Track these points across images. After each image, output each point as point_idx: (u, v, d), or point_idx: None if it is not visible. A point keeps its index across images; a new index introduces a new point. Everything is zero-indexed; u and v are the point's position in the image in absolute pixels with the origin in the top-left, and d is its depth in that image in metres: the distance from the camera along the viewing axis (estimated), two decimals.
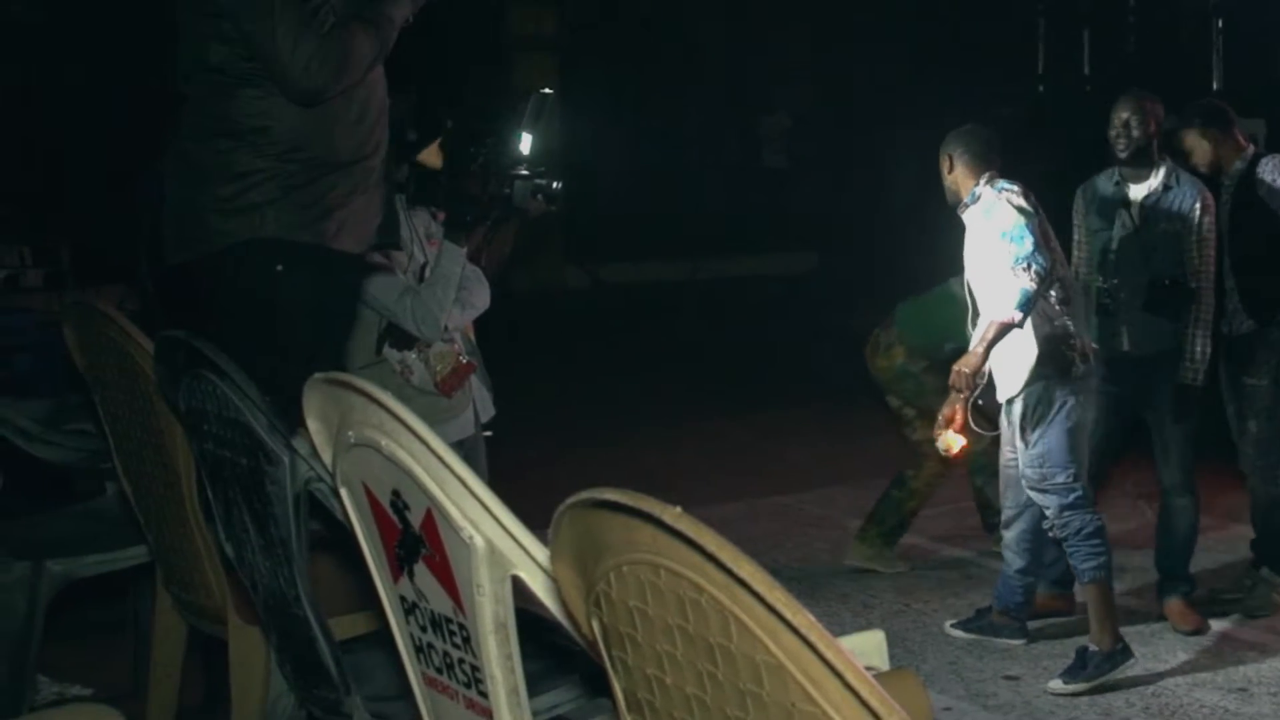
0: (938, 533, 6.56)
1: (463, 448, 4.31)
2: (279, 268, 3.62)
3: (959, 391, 4.92)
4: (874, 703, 1.45)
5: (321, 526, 2.85)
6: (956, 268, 5.30)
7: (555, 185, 4.32)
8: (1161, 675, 5.01)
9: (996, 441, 5.66)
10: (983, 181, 4.99)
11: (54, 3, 11.66)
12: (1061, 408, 4.92)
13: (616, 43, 16.90)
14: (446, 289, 4.27)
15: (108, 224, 8.33)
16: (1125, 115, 5.27)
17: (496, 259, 4.62)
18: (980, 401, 5.04)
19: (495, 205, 4.33)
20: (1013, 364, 4.95)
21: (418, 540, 2.30)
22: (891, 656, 2.76)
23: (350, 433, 2.38)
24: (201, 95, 3.67)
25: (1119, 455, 5.55)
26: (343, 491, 2.48)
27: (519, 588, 2.17)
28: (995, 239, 4.85)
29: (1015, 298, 4.73)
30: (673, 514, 1.57)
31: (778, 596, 1.48)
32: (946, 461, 5.65)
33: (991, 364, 4.96)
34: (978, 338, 4.89)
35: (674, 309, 14.33)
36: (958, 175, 5.05)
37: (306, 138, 3.60)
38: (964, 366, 4.87)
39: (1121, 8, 11.59)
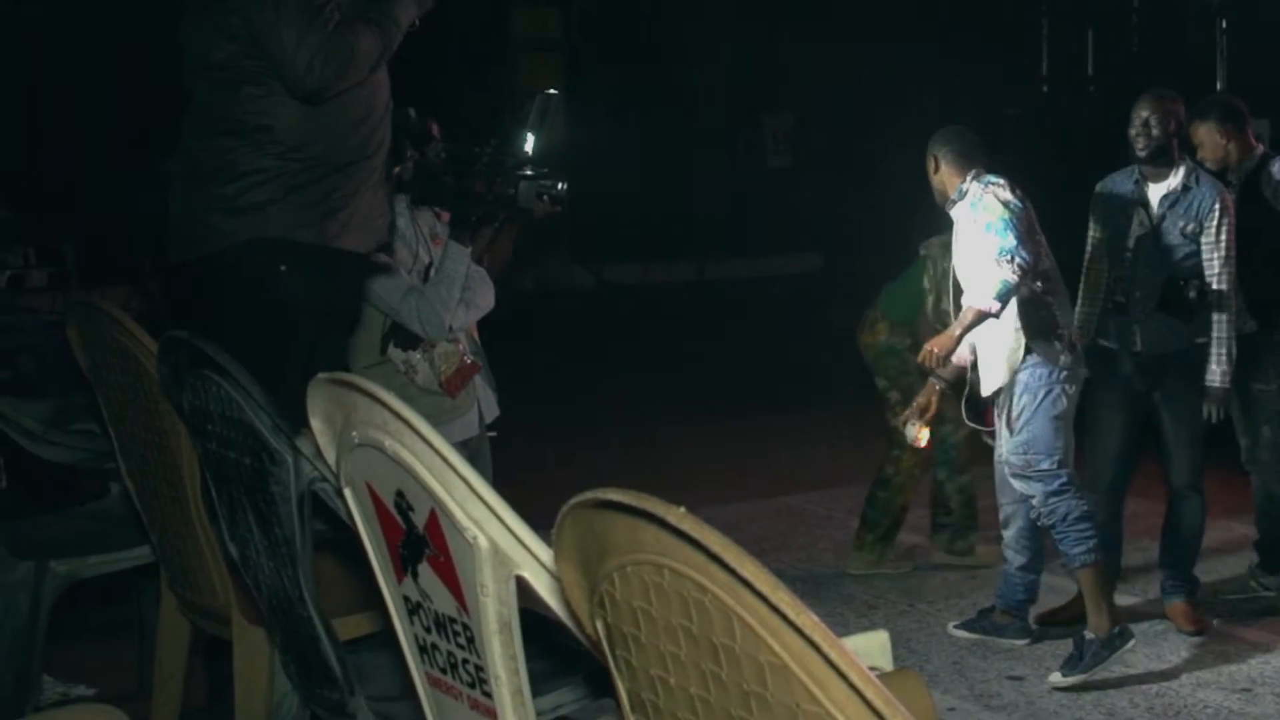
0: None
1: (467, 448, 4.31)
2: (283, 267, 3.62)
3: (930, 369, 5.05)
4: (878, 703, 1.45)
5: (325, 527, 2.85)
6: (929, 231, 5.50)
7: (560, 186, 4.33)
8: (1165, 676, 5.00)
9: (968, 438, 5.73)
10: (969, 178, 5.04)
11: (62, 4, 11.68)
12: (1047, 395, 4.96)
13: (621, 43, 16.91)
14: (451, 289, 4.27)
15: (112, 225, 8.36)
16: (1145, 114, 5.24)
17: (498, 260, 4.62)
18: (967, 395, 5.13)
19: (501, 206, 4.34)
20: (999, 355, 5.02)
21: (422, 540, 2.30)
22: (895, 657, 2.76)
23: (354, 433, 2.38)
24: (205, 94, 3.67)
25: (1136, 461, 5.54)
26: (346, 492, 2.48)
27: (523, 588, 2.17)
28: (980, 231, 4.91)
29: (995, 288, 4.80)
30: (677, 514, 1.57)
31: (782, 597, 1.48)
32: (918, 451, 5.70)
33: (978, 357, 5.07)
34: (955, 322, 4.98)
35: (679, 310, 14.35)
36: (944, 174, 5.10)
37: (309, 137, 3.60)
38: (935, 346, 4.96)
39: (1125, 8, 11.58)
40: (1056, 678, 4.91)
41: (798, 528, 6.94)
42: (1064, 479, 4.97)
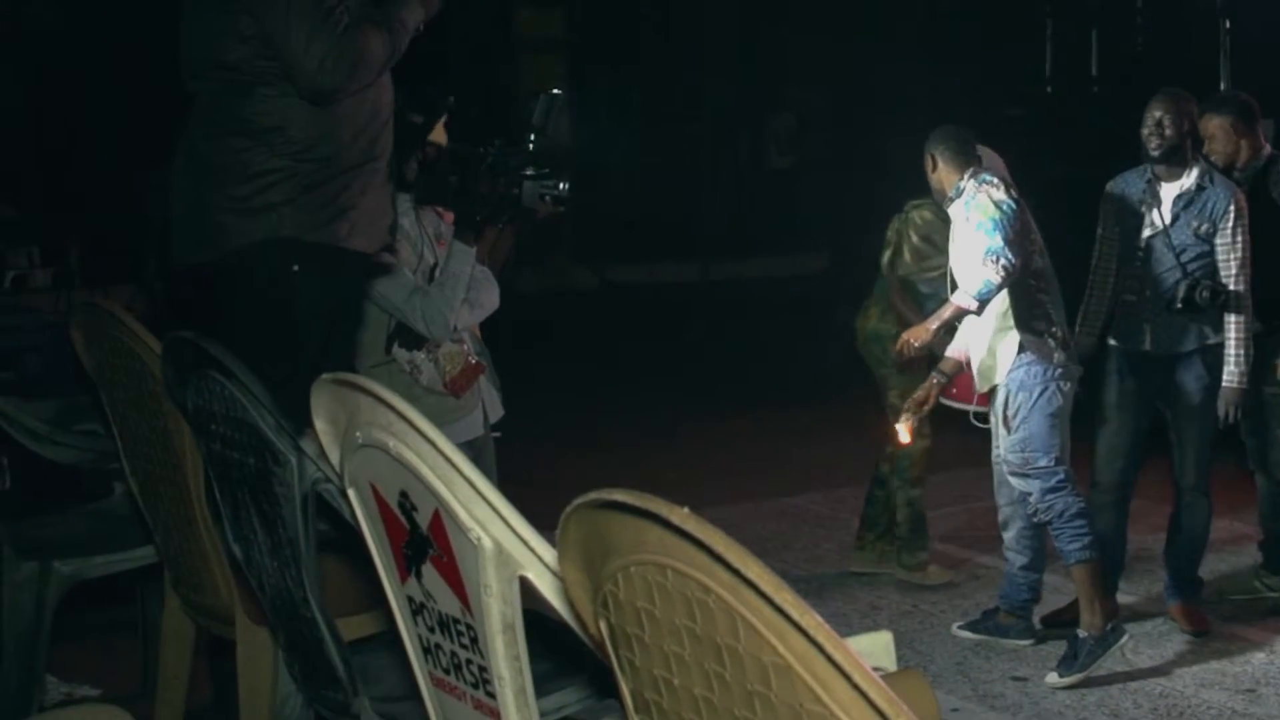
0: (945, 532, 6.54)
1: (471, 448, 4.31)
2: (295, 268, 3.63)
3: (901, 363, 5.26)
4: (882, 703, 1.45)
5: (329, 527, 2.85)
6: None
7: (563, 186, 4.32)
8: (1169, 676, 5.00)
9: (925, 451, 5.76)
10: (966, 176, 5.06)
11: (66, 7, 11.69)
12: (1043, 393, 4.98)
13: (624, 44, 16.91)
14: (455, 289, 4.27)
15: (116, 225, 8.36)
16: (1159, 114, 5.22)
17: (499, 261, 4.62)
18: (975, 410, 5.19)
19: (504, 206, 4.34)
20: (994, 354, 5.05)
21: (425, 541, 2.30)
22: (899, 657, 2.76)
23: (358, 433, 2.38)
24: (215, 94, 3.67)
25: (1142, 460, 5.53)
26: (350, 492, 2.48)
27: (527, 588, 2.17)
28: (972, 230, 4.94)
29: (978, 286, 4.85)
30: (680, 514, 1.57)
31: (785, 597, 1.48)
32: (911, 448, 5.73)
33: (972, 358, 5.13)
34: (933, 315, 5.05)
35: (683, 310, 14.34)
36: (941, 173, 5.13)
37: (321, 138, 3.61)
38: (910, 336, 5.05)
39: (1129, 8, 11.56)
40: (1054, 678, 4.92)
41: (801, 528, 6.94)
42: (1061, 476, 4.99)
